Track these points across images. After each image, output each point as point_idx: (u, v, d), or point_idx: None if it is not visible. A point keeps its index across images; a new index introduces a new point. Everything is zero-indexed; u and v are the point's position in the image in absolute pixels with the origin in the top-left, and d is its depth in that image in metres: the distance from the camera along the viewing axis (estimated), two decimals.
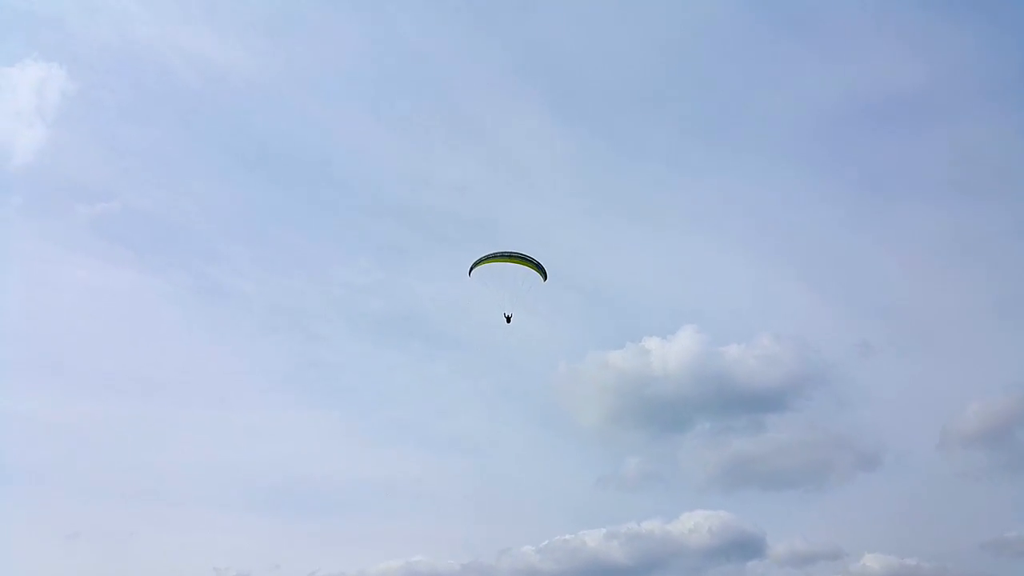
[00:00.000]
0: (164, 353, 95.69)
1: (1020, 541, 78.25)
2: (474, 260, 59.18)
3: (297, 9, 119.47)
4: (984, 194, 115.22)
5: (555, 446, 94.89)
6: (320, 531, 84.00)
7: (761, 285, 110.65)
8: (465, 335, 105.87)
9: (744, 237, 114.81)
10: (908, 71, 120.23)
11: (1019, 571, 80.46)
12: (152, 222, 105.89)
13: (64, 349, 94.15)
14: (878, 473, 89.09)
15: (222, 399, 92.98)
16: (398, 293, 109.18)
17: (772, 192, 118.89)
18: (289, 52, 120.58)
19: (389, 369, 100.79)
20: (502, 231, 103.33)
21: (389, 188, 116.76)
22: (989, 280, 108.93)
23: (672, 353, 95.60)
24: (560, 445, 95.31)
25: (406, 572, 79.61)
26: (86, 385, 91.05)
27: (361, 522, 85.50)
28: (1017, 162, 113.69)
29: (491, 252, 59.15)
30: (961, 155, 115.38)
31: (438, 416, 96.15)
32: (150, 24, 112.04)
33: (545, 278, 59.80)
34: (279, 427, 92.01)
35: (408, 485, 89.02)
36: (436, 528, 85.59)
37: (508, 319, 61.26)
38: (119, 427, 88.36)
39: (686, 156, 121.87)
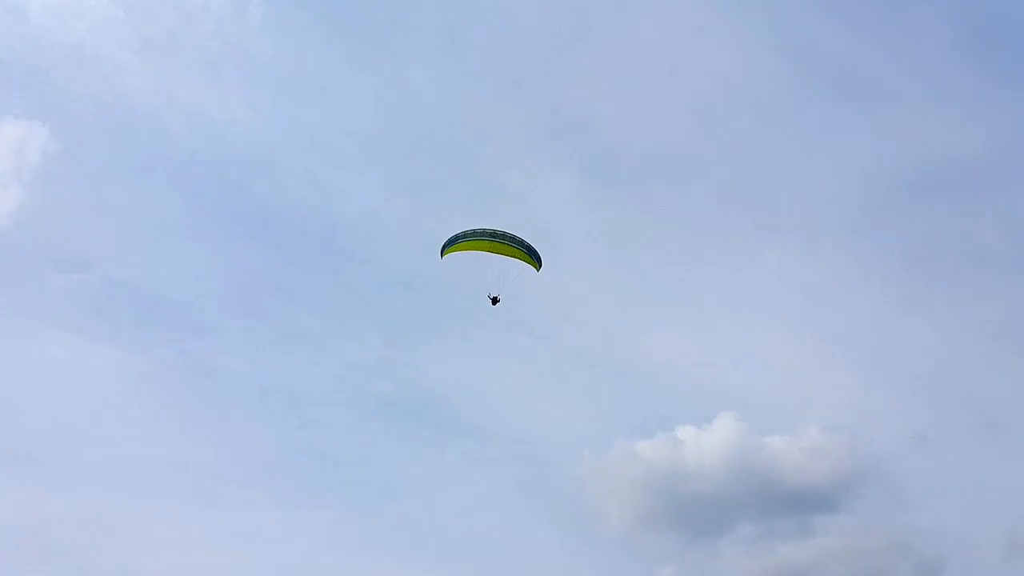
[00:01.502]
0: (142, 440, 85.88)
1: None
2: (447, 239, 48.55)
3: (307, 65, 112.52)
4: None
5: (576, 551, 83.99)
6: None
7: (807, 369, 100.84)
8: (480, 421, 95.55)
9: (788, 316, 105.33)
10: (964, 139, 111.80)
11: None
12: (135, 293, 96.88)
13: (32, 435, 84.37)
14: None
15: (205, 494, 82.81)
16: (407, 374, 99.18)
17: (818, 268, 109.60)
18: (297, 110, 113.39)
19: (395, 460, 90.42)
20: (527, 304, 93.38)
21: (401, 257, 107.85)
22: None
23: (708, 444, 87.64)
24: (582, 550, 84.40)
25: None
26: (55, 477, 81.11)
27: None
28: None
29: (468, 230, 47.85)
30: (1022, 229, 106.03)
31: (448, 516, 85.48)
32: (145, 77, 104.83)
33: (539, 267, 48.74)
34: (268, 527, 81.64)
35: None
36: None
37: (494, 301, 51.12)
38: (90, 525, 78.41)
39: (725, 228, 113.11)
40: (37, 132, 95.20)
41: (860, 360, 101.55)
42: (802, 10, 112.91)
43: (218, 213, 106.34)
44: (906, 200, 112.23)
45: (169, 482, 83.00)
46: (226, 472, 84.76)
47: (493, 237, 47.42)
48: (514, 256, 48.01)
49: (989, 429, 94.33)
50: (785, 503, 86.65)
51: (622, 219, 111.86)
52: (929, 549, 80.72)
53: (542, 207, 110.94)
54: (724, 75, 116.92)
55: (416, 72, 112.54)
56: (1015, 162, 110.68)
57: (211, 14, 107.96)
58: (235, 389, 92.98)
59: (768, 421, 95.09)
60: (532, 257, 48.29)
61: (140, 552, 76.58)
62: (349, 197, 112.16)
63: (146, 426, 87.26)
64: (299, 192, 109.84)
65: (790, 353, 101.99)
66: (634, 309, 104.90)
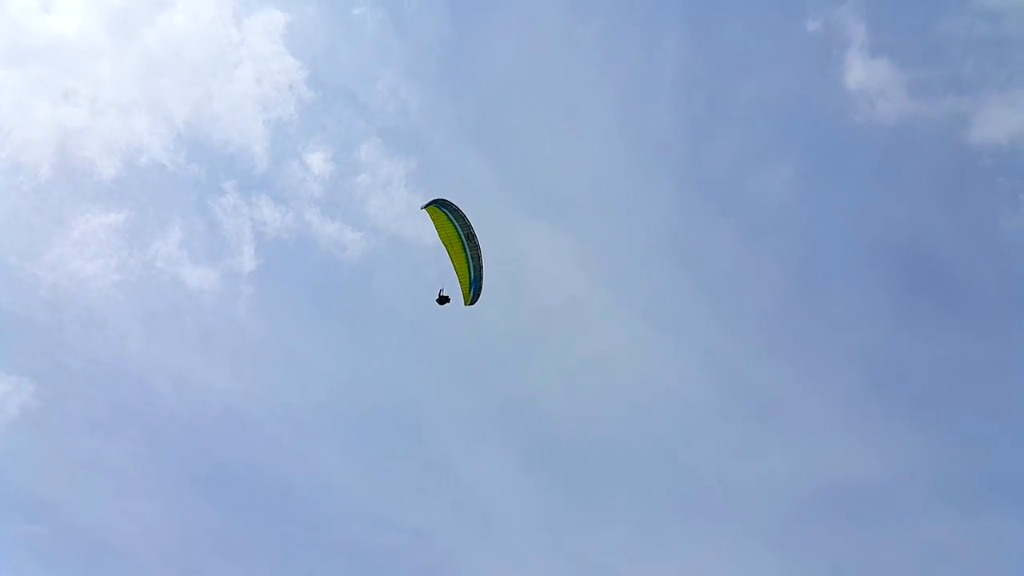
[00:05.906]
0: None
1: None
2: (439, 198, 41.06)
3: (288, 342, 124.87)
4: None
5: None
6: None
7: None
8: None
9: None
10: (864, 464, 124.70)
11: None
12: (86, 542, 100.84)
13: None
14: None
15: None
16: None
17: (745, 570, 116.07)
18: (273, 381, 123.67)
19: None
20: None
21: (348, 524, 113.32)
22: None
23: None
24: None
25: None
26: None
27: None
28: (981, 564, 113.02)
29: (459, 211, 40.83)
30: (923, 550, 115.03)
31: None
32: (144, 343, 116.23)
33: (468, 303, 42.56)
34: None
35: None
36: None
37: (442, 300, 43.60)
38: None
39: (655, 524, 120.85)
40: (24, 388, 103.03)
41: None
42: (729, 339, 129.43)
43: (183, 471, 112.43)
44: (821, 513, 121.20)
45: None
46: None
47: (466, 239, 41.28)
48: (459, 275, 42.10)
49: None
50: None
51: (562, 506, 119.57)
52: None
53: (486, 488, 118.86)
54: (659, 388, 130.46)
55: (383, 355, 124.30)
56: (908, 487, 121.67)
57: (209, 295, 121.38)
58: None
59: None
60: (471, 290, 42.20)
61: None
62: (307, 463, 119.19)
63: None
64: (260, 454, 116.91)
65: None
66: None
